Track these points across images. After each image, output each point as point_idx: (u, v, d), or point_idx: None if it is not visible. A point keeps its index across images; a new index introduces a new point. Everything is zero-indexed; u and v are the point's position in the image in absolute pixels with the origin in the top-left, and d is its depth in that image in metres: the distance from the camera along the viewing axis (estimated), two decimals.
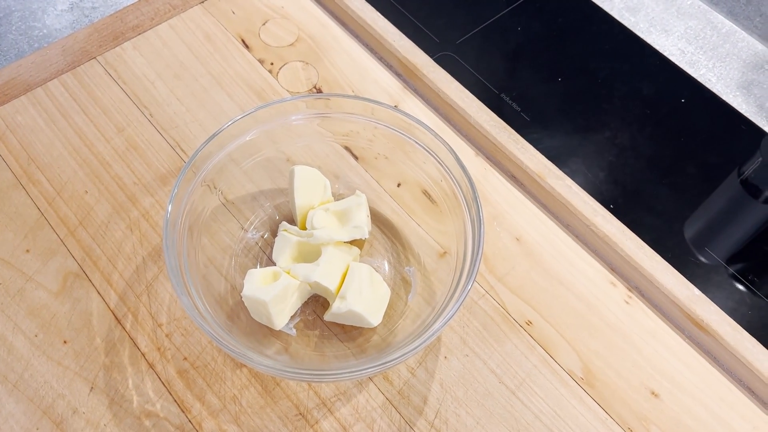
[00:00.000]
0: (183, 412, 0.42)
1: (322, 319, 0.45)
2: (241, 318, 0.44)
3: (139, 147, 0.52)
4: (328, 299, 0.45)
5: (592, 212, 0.49)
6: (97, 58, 0.57)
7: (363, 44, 0.59)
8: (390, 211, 0.50)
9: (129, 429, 0.41)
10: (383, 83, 0.56)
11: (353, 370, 0.39)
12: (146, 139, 0.52)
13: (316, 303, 0.46)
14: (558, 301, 0.47)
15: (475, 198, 0.42)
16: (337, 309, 0.43)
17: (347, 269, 0.44)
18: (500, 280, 0.48)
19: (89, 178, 0.51)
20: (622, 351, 0.45)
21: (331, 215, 0.47)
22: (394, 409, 0.43)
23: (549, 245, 0.49)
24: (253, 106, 0.55)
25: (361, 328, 0.45)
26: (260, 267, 0.46)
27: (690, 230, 0.54)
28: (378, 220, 0.49)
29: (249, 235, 0.48)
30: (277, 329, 0.43)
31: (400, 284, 0.47)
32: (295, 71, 0.57)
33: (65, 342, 0.44)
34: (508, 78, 0.60)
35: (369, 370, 0.38)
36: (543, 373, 0.44)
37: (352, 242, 0.47)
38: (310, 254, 0.45)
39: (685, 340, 0.46)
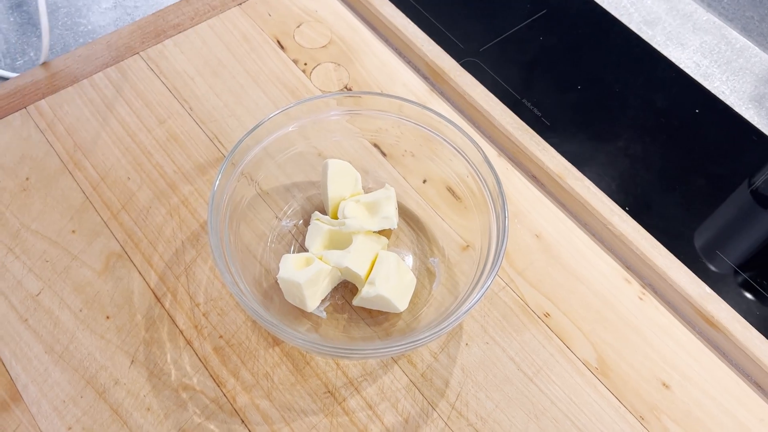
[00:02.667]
0: (218, 386, 0.44)
1: (350, 304, 0.48)
2: (275, 300, 0.47)
3: (179, 138, 0.55)
4: (357, 285, 0.47)
5: (609, 212, 0.51)
6: (140, 53, 0.60)
7: (392, 48, 0.62)
8: (415, 205, 0.52)
9: (167, 400, 0.44)
10: (411, 86, 0.59)
11: (381, 348, 0.41)
12: (186, 131, 0.55)
13: (345, 289, 0.48)
14: (574, 296, 0.49)
15: (501, 192, 0.44)
16: (366, 294, 0.45)
17: (376, 257, 0.47)
18: (520, 273, 0.50)
19: (131, 166, 0.53)
20: (634, 344, 0.48)
21: (362, 206, 0.49)
22: (417, 390, 0.45)
23: (566, 242, 0.52)
24: (287, 103, 0.57)
25: (387, 313, 0.47)
26: (294, 253, 0.49)
27: (700, 239, 0.56)
28: (404, 213, 0.52)
29: (283, 223, 0.51)
30: (309, 311, 0.46)
31: (425, 274, 0.49)
32: (328, 72, 0.60)
33: (108, 317, 0.47)
34: (529, 84, 0.63)
35: (395, 348, 0.40)
36: (559, 361, 0.47)
37: (380, 233, 0.50)
38: (340, 242, 0.48)
39: (695, 336, 0.48)
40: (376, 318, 0.47)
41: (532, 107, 0.60)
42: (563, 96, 0.63)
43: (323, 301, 0.47)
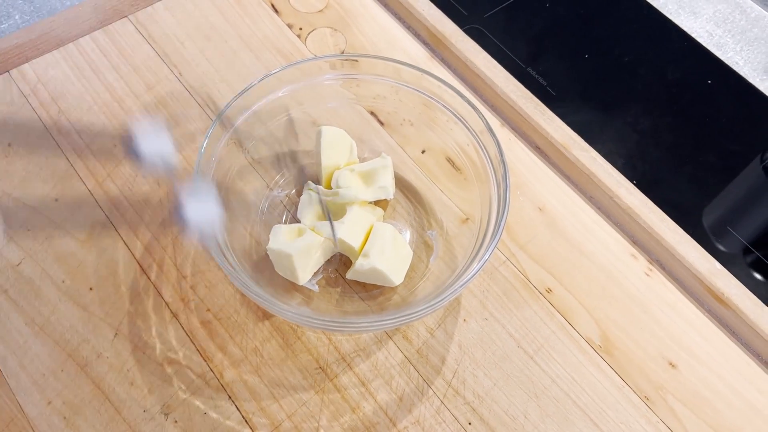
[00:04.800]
0: (205, 360, 0.43)
1: (344, 278, 0.46)
2: (265, 273, 0.45)
3: (168, 104, 0.53)
4: (351, 258, 0.45)
5: (615, 184, 0.49)
6: (129, 16, 0.57)
7: (391, 13, 0.59)
8: (413, 176, 0.50)
9: (151, 375, 0.42)
10: (411, 52, 0.57)
11: (375, 321, 0.39)
12: (175, 97, 0.53)
13: (339, 262, 0.46)
14: (578, 271, 0.47)
15: (503, 161, 0.42)
16: (360, 266, 0.43)
17: (371, 229, 0.45)
18: (522, 248, 0.48)
19: (118, 133, 0.51)
20: (640, 322, 0.46)
21: (357, 176, 0.47)
22: (412, 367, 0.43)
23: (571, 216, 0.49)
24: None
25: (382, 287, 0.45)
26: (285, 224, 0.47)
27: (710, 216, 0.53)
28: (401, 185, 0.50)
29: (274, 193, 0.49)
30: (301, 284, 0.44)
31: (422, 248, 0.47)
32: (324, 37, 0.57)
33: (91, 289, 0.45)
34: (535, 53, 0.60)
35: (389, 321, 0.38)
36: (561, 339, 0.45)
37: (377, 203, 0.48)
38: (334, 213, 0.46)
39: (704, 314, 0.46)
40: (371, 292, 0.45)
41: (537, 76, 0.58)
42: (570, 65, 0.60)
43: (315, 274, 0.45)
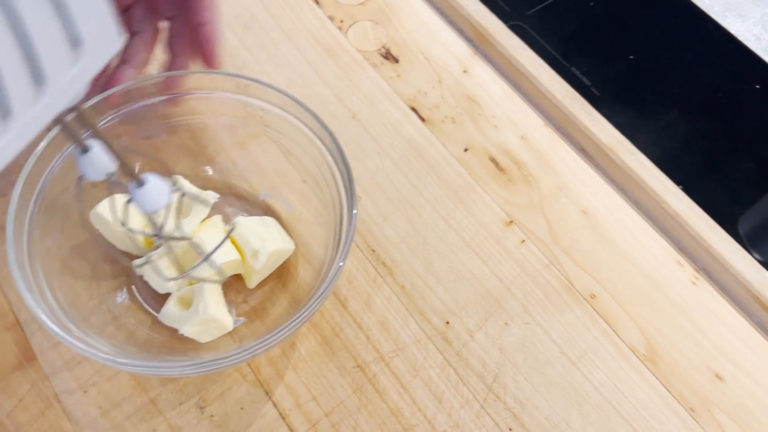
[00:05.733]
0: None
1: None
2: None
3: None
4: (242, 271, 0.43)
5: (663, 189, 0.48)
6: None
7: (434, 7, 0.58)
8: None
9: None
10: (452, 47, 0.56)
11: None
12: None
13: (234, 285, 0.44)
14: (622, 277, 0.46)
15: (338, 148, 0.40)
16: (258, 264, 0.41)
17: (229, 235, 0.42)
18: (565, 251, 0.47)
19: None
20: (685, 331, 0.44)
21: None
22: (452, 369, 0.42)
23: (615, 220, 0.48)
24: (321, 61, 0.54)
25: (283, 281, 0.44)
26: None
27: (746, 224, 0.52)
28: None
29: None
30: (231, 329, 0.42)
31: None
32: (365, 30, 0.56)
33: None
34: (578, 52, 0.59)
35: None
36: (604, 346, 0.44)
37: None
38: (188, 253, 0.42)
39: (752, 325, 0.45)
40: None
41: (581, 76, 0.57)
42: (614, 65, 0.59)
43: (229, 309, 0.43)
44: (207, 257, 0.37)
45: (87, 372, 0.41)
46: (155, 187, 0.29)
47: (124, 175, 0.29)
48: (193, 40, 0.44)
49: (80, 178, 0.32)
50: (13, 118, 0.17)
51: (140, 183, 0.29)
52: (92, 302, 0.41)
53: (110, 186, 0.31)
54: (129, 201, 0.31)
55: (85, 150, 0.27)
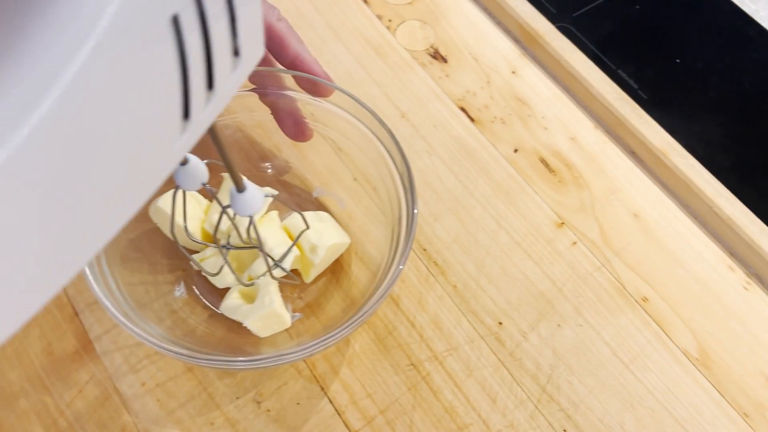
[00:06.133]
0: None
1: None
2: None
3: None
4: (300, 267, 0.44)
5: (715, 193, 0.48)
6: None
7: (482, 8, 0.58)
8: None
9: None
10: (500, 48, 0.56)
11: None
12: None
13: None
14: (674, 281, 0.46)
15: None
16: (317, 259, 0.42)
17: (287, 231, 0.43)
18: (617, 254, 0.47)
19: None
20: (738, 336, 0.44)
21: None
22: (505, 370, 0.43)
23: (666, 224, 0.48)
24: (370, 60, 0.54)
25: (341, 279, 0.44)
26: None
27: None
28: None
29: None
30: (289, 324, 0.42)
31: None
32: (413, 30, 0.57)
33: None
34: (625, 55, 0.59)
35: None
36: (657, 349, 0.44)
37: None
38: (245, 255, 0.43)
39: None
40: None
41: (628, 79, 0.57)
42: (661, 69, 0.59)
43: (285, 305, 0.43)
44: (288, 252, 0.38)
45: (145, 365, 0.42)
46: (252, 192, 0.30)
47: (232, 181, 0.29)
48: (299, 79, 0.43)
49: (176, 189, 0.32)
50: (190, 120, 0.17)
51: (241, 189, 0.29)
52: (150, 295, 0.42)
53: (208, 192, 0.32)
54: (176, 190, 0.32)
55: (183, 162, 0.28)
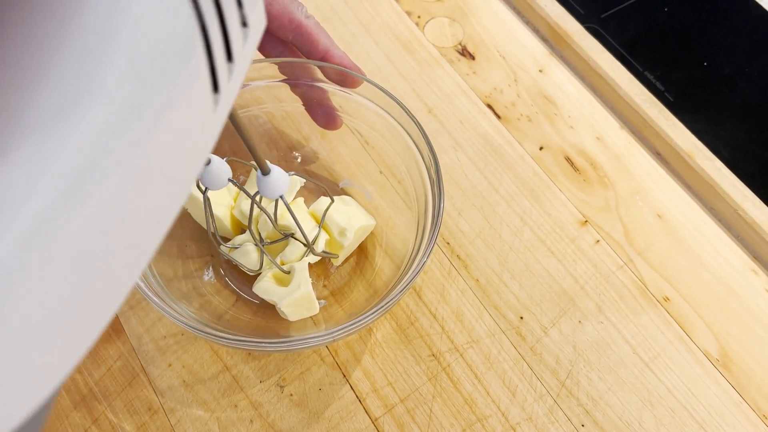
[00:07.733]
0: None
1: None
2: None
3: None
4: (331, 249, 0.44)
5: (741, 197, 0.48)
6: None
7: (511, 6, 0.58)
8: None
9: None
10: (529, 47, 0.56)
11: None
12: None
13: (319, 268, 0.45)
14: (697, 282, 0.46)
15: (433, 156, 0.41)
16: (346, 241, 0.43)
17: (313, 215, 0.44)
18: (640, 254, 0.47)
19: None
20: (760, 339, 0.44)
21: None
22: (525, 363, 0.43)
23: (691, 226, 0.48)
24: (399, 55, 0.55)
25: (365, 266, 0.45)
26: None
27: None
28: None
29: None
30: (318, 311, 0.43)
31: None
32: (442, 26, 0.57)
33: (212, 256, 0.45)
34: (652, 57, 0.59)
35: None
36: (678, 349, 0.44)
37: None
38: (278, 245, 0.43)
39: None
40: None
41: (655, 81, 0.57)
42: (688, 72, 0.59)
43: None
44: (318, 235, 0.39)
45: (172, 347, 0.43)
46: (278, 175, 0.31)
47: (256, 163, 0.30)
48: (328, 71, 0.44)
49: (205, 191, 0.33)
50: (220, 93, 0.18)
51: (266, 172, 0.30)
52: (179, 279, 0.43)
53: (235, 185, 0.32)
54: (204, 190, 0.33)
55: (207, 162, 0.28)
